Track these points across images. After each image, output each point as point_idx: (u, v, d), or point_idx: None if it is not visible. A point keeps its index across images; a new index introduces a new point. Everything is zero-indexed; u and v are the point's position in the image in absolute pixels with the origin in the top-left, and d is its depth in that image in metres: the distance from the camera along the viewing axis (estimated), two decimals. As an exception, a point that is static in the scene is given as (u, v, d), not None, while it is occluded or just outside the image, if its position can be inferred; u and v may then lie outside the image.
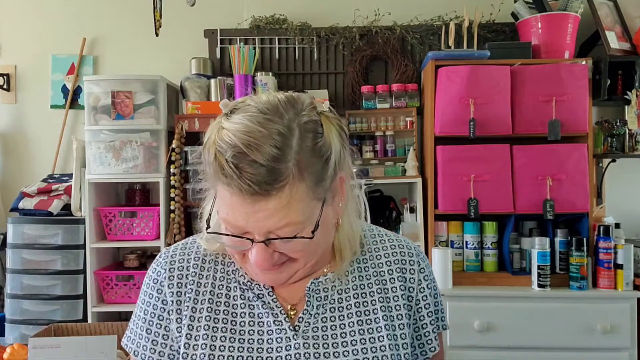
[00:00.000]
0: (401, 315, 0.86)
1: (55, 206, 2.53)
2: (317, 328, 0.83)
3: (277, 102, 0.76)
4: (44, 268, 2.48)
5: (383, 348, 0.83)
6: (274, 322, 0.83)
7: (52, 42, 2.89)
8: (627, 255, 2.24)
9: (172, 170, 2.49)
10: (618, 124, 2.49)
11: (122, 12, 2.88)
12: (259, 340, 0.82)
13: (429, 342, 0.90)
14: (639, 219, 2.67)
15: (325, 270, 0.87)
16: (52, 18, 2.90)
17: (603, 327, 2.17)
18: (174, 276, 0.86)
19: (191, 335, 0.83)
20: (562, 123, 2.29)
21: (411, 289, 0.89)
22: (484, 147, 2.33)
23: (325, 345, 0.82)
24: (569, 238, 2.30)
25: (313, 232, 0.75)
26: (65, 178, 2.70)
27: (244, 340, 0.82)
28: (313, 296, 0.84)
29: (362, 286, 0.87)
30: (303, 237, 0.74)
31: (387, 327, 0.84)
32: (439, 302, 0.93)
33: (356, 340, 0.83)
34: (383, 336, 0.83)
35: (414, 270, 0.90)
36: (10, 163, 2.92)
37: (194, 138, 2.69)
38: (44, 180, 2.69)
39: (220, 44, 2.81)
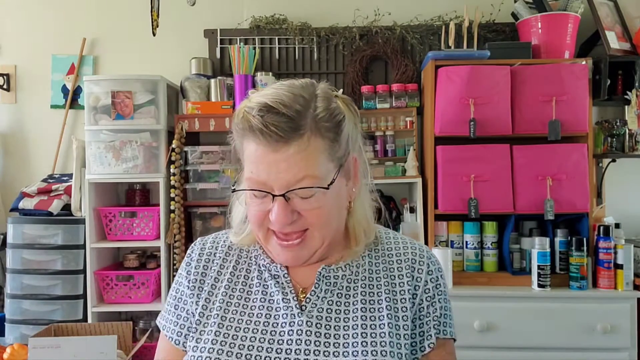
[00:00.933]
0: (405, 307, 0.88)
1: (55, 206, 2.53)
2: (322, 309, 0.87)
3: (299, 82, 0.88)
4: (44, 268, 2.48)
5: (383, 336, 0.85)
6: (282, 299, 0.88)
7: (52, 42, 2.89)
8: (627, 255, 2.24)
9: (172, 170, 2.49)
10: (618, 124, 2.49)
11: (122, 12, 2.88)
12: (267, 315, 0.88)
13: (429, 337, 0.90)
14: (639, 219, 2.67)
15: (337, 258, 0.92)
16: (52, 18, 2.90)
17: (603, 327, 2.17)
18: (201, 259, 0.96)
19: (207, 307, 0.91)
20: (562, 123, 2.29)
21: (417, 287, 0.90)
22: (484, 147, 2.33)
23: (328, 327, 0.86)
24: (569, 238, 2.30)
25: (329, 185, 0.82)
26: (65, 178, 2.70)
27: (253, 314, 0.88)
28: (323, 280, 0.89)
29: (370, 278, 0.91)
30: (320, 187, 0.81)
31: (389, 317, 0.86)
32: (445, 307, 0.92)
33: (358, 325, 0.86)
34: (384, 325, 0.86)
35: (422, 270, 0.92)
36: (10, 163, 2.92)
37: (194, 138, 2.69)
38: (44, 180, 2.69)
39: (220, 44, 2.81)
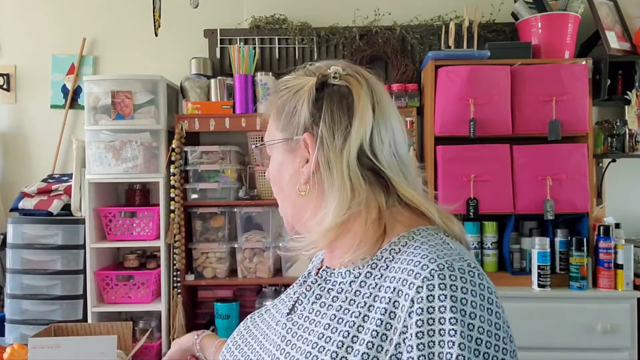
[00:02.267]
0: (363, 340, 0.68)
1: (55, 206, 2.53)
2: (302, 316, 0.80)
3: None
4: (44, 268, 2.48)
5: (324, 352, 0.71)
6: (289, 297, 0.89)
7: (52, 42, 2.89)
8: (627, 255, 2.24)
9: (172, 170, 2.49)
10: (618, 124, 2.49)
11: (122, 12, 2.88)
12: (272, 316, 0.89)
13: None
14: (639, 219, 2.67)
15: (342, 258, 0.78)
16: (52, 18, 2.90)
17: (603, 327, 2.17)
18: None
19: None
20: (562, 123, 2.29)
21: (398, 319, 0.67)
22: (484, 147, 2.33)
23: (294, 334, 0.78)
24: (569, 238, 2.30)
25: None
26: (65, 178, 2.70)
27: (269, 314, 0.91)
28: (318, 283, 0.83)
29: (357, 292, 0.74)
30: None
31: (339, 344, 0.70)
32: (446, 342, 0.63)
33: (310, 341, 0.74)
34: (329, 351, 0.70)
35: (408, 296, 0.67)
36: (10, 163, 2.92)
37: (194, 138, 2.69)
38: (44, 180, 2.69)
39: (220, 44, 2.81)
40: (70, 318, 2.47)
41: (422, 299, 0.65)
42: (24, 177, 2.85)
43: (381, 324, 0.68)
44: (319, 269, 0.87)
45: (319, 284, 0.82)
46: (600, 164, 2.62)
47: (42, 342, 1.81)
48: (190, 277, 2.54)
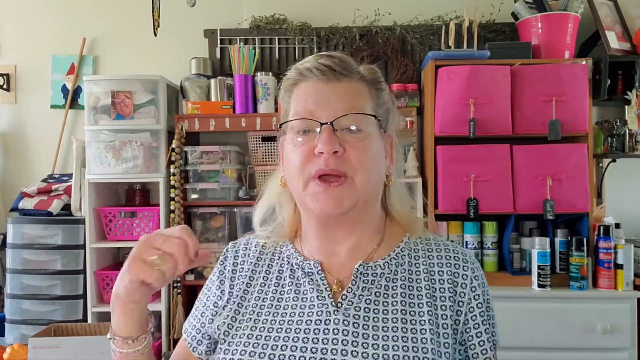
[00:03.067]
0: (446, 315, 0.84)
1: (55, 206, 2.53)
2: (360, 308, 0.84)
3: None
4: (44, 268, 2.48)
5: (425, 342, 0.81)
6: (317, 297, 0.86)
7: (52, 42, 2.89)
8: (627, 255, 2.24)
9: (172, 170, 2.49)
10: (618, 124, 2.49)
11: (122, 12, 2.88)
12: (300, 314, 0.86)
13: (484, 352, 0.87)
14: (639, 219, 2.67)
15: (372, 253, 0.90)
16: (52, 18, 2.90)
17: (603, 327, 2.17)
18: (237, 262, 0.96)
19: (239, 312, 0.89)
20: (562, 123, 2.29)
21: (462, 295, 0.87)
22: (484, 147, 2.33)
23: (366, 327, 0.82)
24: (569, 238, 2.30)
25: (375, 116, 0.87)
26: (65, 178, 2.70)
27: (286, 314, 0.86)
28: (360, 277, 0.87)
29: (410, 279, 0.87)
30: (366, 114, 0.85)
31: (431, 323, 0.83)
32: (492, 316, 0.90)
33: (397, 327, 0.82)
34: (426, 330, 0.82)
35: (467, 276, 0.89)
36: (10, 163, 2.92)
37: (194, 138, 2.69)
38: (44, 180, 2.69)
39: (220, 44, 2.81)
40: (70, 318, 2.47)
41: (477, 277, 0.89)
42: (24, 177, 2.85)
43: (452, 297, 0.86)
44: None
45: (360, 278, 0.87)
46: (600, 164, 2.62)
47: (42, 342, 1.82)
48: (190, 277, 2.55)
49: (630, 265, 2.25)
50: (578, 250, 2.24)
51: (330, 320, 0.83)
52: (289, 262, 0.93)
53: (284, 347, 0.82)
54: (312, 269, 0.90)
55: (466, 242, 2.39)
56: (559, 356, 2.20)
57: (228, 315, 0.89)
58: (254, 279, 0.93)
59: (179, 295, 2.49)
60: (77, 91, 2.88)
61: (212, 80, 2.63)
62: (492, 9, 2.68)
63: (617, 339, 2.18)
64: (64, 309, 2.50)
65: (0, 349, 2.04)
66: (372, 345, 0.80)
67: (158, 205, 2.50)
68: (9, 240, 2.52)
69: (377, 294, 0.86)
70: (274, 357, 0.81)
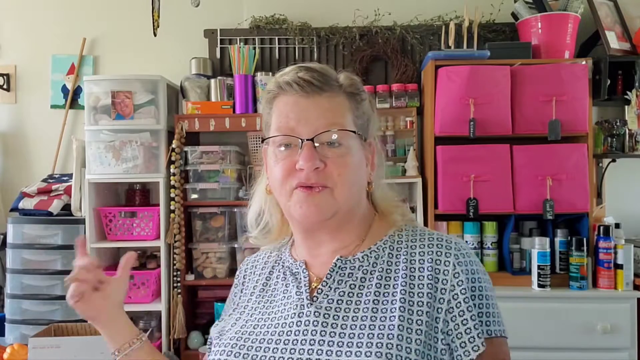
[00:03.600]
0: (422, 302, 0.83)
1: (55, 206, 2.53)
2: (333, 300, 0.87)
3: None
4: (44, 268, 2.48)
5: (392, 328, 0.81)
6: (296, 292, 0.90)
7: (52, 42, 2.89)
8: (627, 255, 2.24)
9: (172, 170, 2.49)
10: (618, 124, 2.49)
11: (122, 12, 2.88)
12: (282, 310, 0.90)
13: (463, 345, 0.82)
14: (639, 219, 2.67)
15: (354, 248, 0.92)
16: (52, 18, 2.90)
17: (603, 327, 2.17)
18: (246, 275, 1.03)
19: (242, 312, 0.96)
20: (562, 123, 2.29)
21: (444, 282, 0.84)
22: (484, 147, 2.33)
23: (336, 317, 0.84)
24: (569, 238, 2.30)
25: (355, 132, 0.88)
26: (65, 178, 2.70)
27: (272, 312, 0.91)
28: (336, 271, 0.89)
29: (388, 270, 0.88)
30: (346, 130, 0.87)
31: (401, 310, 0.82)
32: (487, 304, 0.86)
33: (367, 317, 0.83)
34: (395, 317, 0.82)
35: (449, 262, 0.86)
36: (10, 163, 2.92)
37: (194, 138, 2.69)
38: (44, 180, 2.69)
39: (220, 44, 2.81)
40: (70, 318, 2.46)
41: (462, 263, 0.86)
42: (24, 177, 2.85)
43: (431, 287, 0.84)
44: (300, 262, 0.95)
45: (337, 272, 0.90)
46: (600, 164, 2.62)
47: (42, 342, 1.82)
48: (190, 277, 2.55)
49: (630, 265, 2.25)
50: (578, 250, 2.24)
51: (303, 313, 0.87)
52: (283, 266, 0.97)
53: (262, 341, 0.86)
54: (297, 268, 0.94)
55: (466, 242, 2.39)
56: (559, 356, 2.20)
57: (227, 322, 0.96)
58: (257, 287, 0.98)
59: (179, 296, 2.49)
60: (77, 91, 2.88)
61: (212, 80, 2.63)
62: (492, 9, 2.68)
63: (617, 339, 2.18)
64: (64, 309, 2.49)
65: (0, 349, 2.04)
66: (339, 334, 0.82)
67: (158, 205, 2.50)
68: (9, 240, 2.52)
69: (352, 286, 0.87)
70: (252, 348, 0.86)
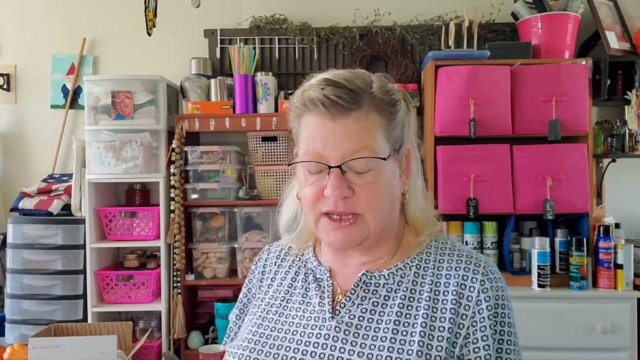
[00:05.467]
0: (443, 328, 0.81)
1: (55, 206, 2.53)
2: (354, 317, 0.85)
3: (355, 69, 0.90)
4: (44, 268, 2.48)
5: (410, 354, 0.79)
6: (318, 303, 0.88)
7: (52, 42, 2.89)
8: (627, 255, 2.24)
9: (172, 170, 2.49)
10: (618, 124, 2.50)
11: (122, 12, 2.88)
12: (301, 317, 0.88)
13: None
14: (639, 219, 2.67)
15: (383, 263, 0.90)
16: (52, 18, 2.90)
17: (603, 327, 2.17)
18: (266, 264, 1.01)
19: (256, 305, 0.96)
20: (562, 123, 2.29)
21: (467, 308, 0.82)
22: (484, 147, 2.33)
23: (356, 335, 0.83)
24: (569, 238, 2.30)
25: (386, 158, 0.83)
26: (65, 178, 2.70)
27: (290, 315, 0.89)
28: (361, 287, 0.87)
29: (413, 290, 0.85)
30: (377, 157, 0.82)
31: (422, 335, 0.80)
32: (504, 334, 0.82)
33: (386, 338, 0.81)
34: (415, 342, 0.80)
35: (474, 288, 0.83)
36: (10, 163, 2.92)
37: (194, 138, 2.69)
38: (44, 180, 2.69)
39: (220, 44, 2.81)
40: (70, 318, 2.47)
41: (487, 289, 0.83)
42: (24, 177, 2.85)
43: (454, 312, 0.82)
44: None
45: (362, 287, 0.88)
46: (600, 164, 2.62)
47: (42, 342, 1.82)
48: (190, 277, 2.55)
49: (630, 265, 2.25)
50: (578, 250, 2.24)
51: (324, 326, 0.85)
52: (305, 266, 0.96)
53: (280, 347, 0.85)
54: (322, 275, 0.92)
55: (466, 242, 2.39)
56: (559, 356, 2.20)
57: (247, 313, 0.98)
58: (275, 280, 0.97)
59: (179, 296, 2.49)
60: (77, 91, 2.88)
61: (212, 80, 2.63)
62: (492, 9, 2.68)
63: (617, 339, 2.18)
64: (64, 309, 2.50)
65: (0, 349, 2.04)
66: (358, 353, 0.80)
67: (158, 205, 2.50)
68: (9, 240, 2.52)
69: (375, 303, 0.85)
70: (270, 355, 0.85)
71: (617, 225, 2.36)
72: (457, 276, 0.84)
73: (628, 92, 2.50)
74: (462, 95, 2.30)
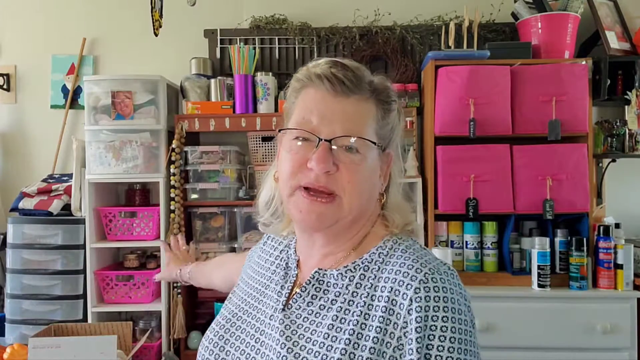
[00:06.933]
0: (369, 337, 0.77)
1: (55, 206, 2.53)
2: (300, 316, 0.85)
3: None
4: (44, 268, 2.48)
5: (332, 350, 0.78)
6: (277, 293, 0.91)
7: (52, 42, 2.89)
8: (627, 255, 2.24)
9: (172, 170, 2.49)
10: (618, 124, 2.50)
11: (122, 12, 2.88)
12: (265, 304, 0.91)
13: None
14: (639, 219, 2.67)
15: (341, 258, 0.88)
16: (52, 18, 2.90)
17: (603, 327, 2.17)
18: (264, 249, 1.05)
19: (238, 285, 1.03)
20: (562, 123, 2.29)
21: (398, 316, 0.76)
22: (484, 147, 2.33)
23: (294, 332, 0.83)
24: (569, 238, 2.30)
25: (375, 143, 0.84)
26: (65, 178, 2.70)
27: (261, 300, 0.93)
28: (313, 284, 0.88)
29: (354, 293, 0.83)
30: (367, 140, 0.83)
31: (346, 343, 0.77)
32: (435, 346, 0.73)
33: (317, 342, 0.80)
34: (338, 350, 0.77)
35: (407, 295, 0.76)
36: (10, 163, 2.92)
37: (194, 138, 2.69)
38: (44, 180, 2.69)
39: (220, 44, 2.81)
40: (70, 318, 2.47)
41: (420, 299, 0.75)
42: (24, 177, 2.85)
43: (383, 320, 0.77)
44: (289, 268, 0.96)
45: (313, 285, 0.88)
46: (600, 164, 2.62)
47: (42, 342, 1.82)
48: (190, 277, 2.54)
49: (630, 265, 2.25)
50: (578, 250, 2.24)
51: (274, 317, 0.87)
52: (287, 254, 0.98)
53: (243, 331, 0.90)
54: (291, 264, 0.95)
55: (466, 242, 2.39)
56: (559, 356, 2.20)
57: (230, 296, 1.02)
58: (262, 265, 1.01)
59: (179, 296, 2.49)
60: (77, 91, 2.88)
61: (212, 80, 2.63)
62: (492, 9, 2.68)
63: (617, 339, 2.18)
64: (64, 309, 2.49)
65: (0, 349, 2.04)
66: (295, 354, 0.80)
67: (158, 205, 2.50)
68: (9, 240, 2.52)
69: (322, 307, 0.84)
70: (233, 336, 0.90)
71: (617, 225, 2.36)
72: (394, 280, 0.79)
73: (628, 92, 2.50)
74: (462, 95, 2.30)
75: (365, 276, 0.84)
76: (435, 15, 2.73)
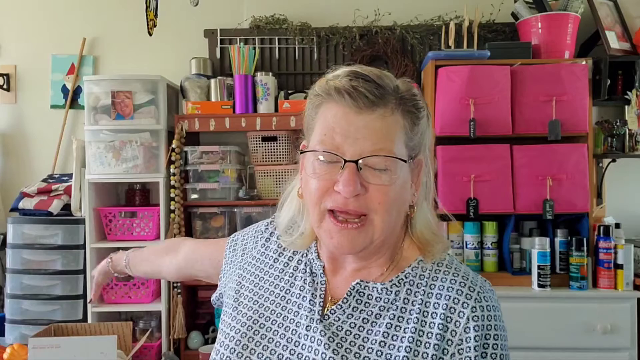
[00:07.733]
0: (427, 354, 0.77)
1: (55, 206, 2.53)
2: (342, 328, 0.82)
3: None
4: (44, 268, 2.48)
5: None
6: (309, 301, 0.85)
7: (52, 42, 2.89)
8: (627, 255, 2.24)
9: (172, 170, 2.49)
10: (618, 124, 2.49)
11: (122, 12, 2.88)
12: (295, 312, 0.86)
13: None
14: (639, 219, 2.67)
15: (377, 275, 0.85)
16: (52, 18, 2.90)
17: (603, 327, 2.17)
18: (248, 244, 1.01)
19: (239, 292, 0.92)
20: (562, 123, 2.29)
21: (453, 334, 0.78)
22: (484, 147, 2.33)
23: (340, 345, 0.80)
24: (569, 238, 2.30)
25: (405, 160, 0.79)
26: (65, 178, 2.70)
27: (287, 307, 0.87)
28: (353, 296, 0.84)
29: (403, 309, 0.81)
30: (396, 158, 0.78)
31: (405, 358, 0.77)
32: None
33: (369, 358, 0.78)
34: (398, 356, 0.77)
35: (463, 314, 0.78)
36: (10, 163, 2.92)
37: (194, 138, 2.69)
38: (44, 180, 2.69)
39: (220, 44, 2.81)
40: (70, 318, 2.47)
41: (477, 318, 0.78)
42: (24, 177, 2.85)
43: (440, 338, 0.78)
44: (321, 281, 0.89)
45: (354, 297, 0.84)
46: (600, 164, 2.62)
47: (42, 342, 1.81)
48: (190, 277, 2.54)
49: (630, 265, 2.25)
50: (578, 250, 2.24)
51: (310, 327, 0.83)
52: (306, 256, 0.92)
53: (270, 340, 0.84)
54: (317, 269, 0.89)
55: (466, 242, 2.39)
56: (559, 356, 2.20)
57: (232, 288, 0.94)
58: (271, 265, 0.94)
59: (179, 296, 2.49)
60: (77, 91, 2.88)
61: (212, 80, 2.63)
62: (492, 9, 2.68)
63: (617, 339, 2.18)
64: (64, 309, 2.50)
65: (0, 349, 2.04)
66: None
67: (158, 205, 2.50)
68: (9, 240, 2.52)
69: (365, 320, 0.82)
70: (259, 346, 0.84)
71: (617, 225, 2.36)
72: (448, 298, 0.80)
73: (628, 92, 2.50)
74: (462, 95, 2.30)
75: (411, 291, 0.82)
76: (435, 15, 2.73)
